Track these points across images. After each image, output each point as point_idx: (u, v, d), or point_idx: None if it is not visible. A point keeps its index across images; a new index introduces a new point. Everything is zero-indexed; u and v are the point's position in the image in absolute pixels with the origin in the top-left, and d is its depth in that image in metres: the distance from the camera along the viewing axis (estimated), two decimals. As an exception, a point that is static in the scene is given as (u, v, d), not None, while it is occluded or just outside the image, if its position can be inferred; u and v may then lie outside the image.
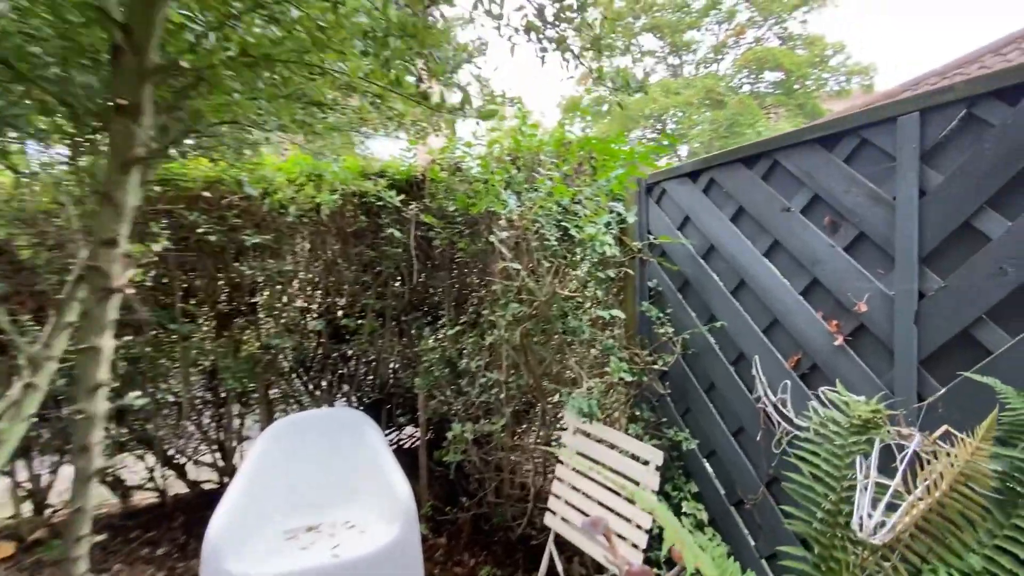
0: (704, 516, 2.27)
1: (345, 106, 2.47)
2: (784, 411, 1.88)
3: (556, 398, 2.75)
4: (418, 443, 3.78)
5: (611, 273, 2.51)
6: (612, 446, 2.36)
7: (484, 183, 2.64)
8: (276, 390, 3.93)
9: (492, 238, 2.33)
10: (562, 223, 2.41)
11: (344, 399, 4.09)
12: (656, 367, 2.42)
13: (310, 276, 3.83)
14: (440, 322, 3.64)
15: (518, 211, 2.44)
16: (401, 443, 4.45)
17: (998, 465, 1.16)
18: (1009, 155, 1.32)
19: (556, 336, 2.58)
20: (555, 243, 2.40)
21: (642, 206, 2.65)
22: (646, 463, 2.20)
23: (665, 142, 2.26)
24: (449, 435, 2.92)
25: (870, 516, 1.32)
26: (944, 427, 1.39)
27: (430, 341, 3.39)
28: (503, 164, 2.79)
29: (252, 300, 3.70)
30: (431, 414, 3.46)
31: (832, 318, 1.77)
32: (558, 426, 2.75)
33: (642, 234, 2.65)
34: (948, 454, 1.22)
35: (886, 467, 1.41)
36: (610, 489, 2.28)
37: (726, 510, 2.19)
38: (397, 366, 3.98)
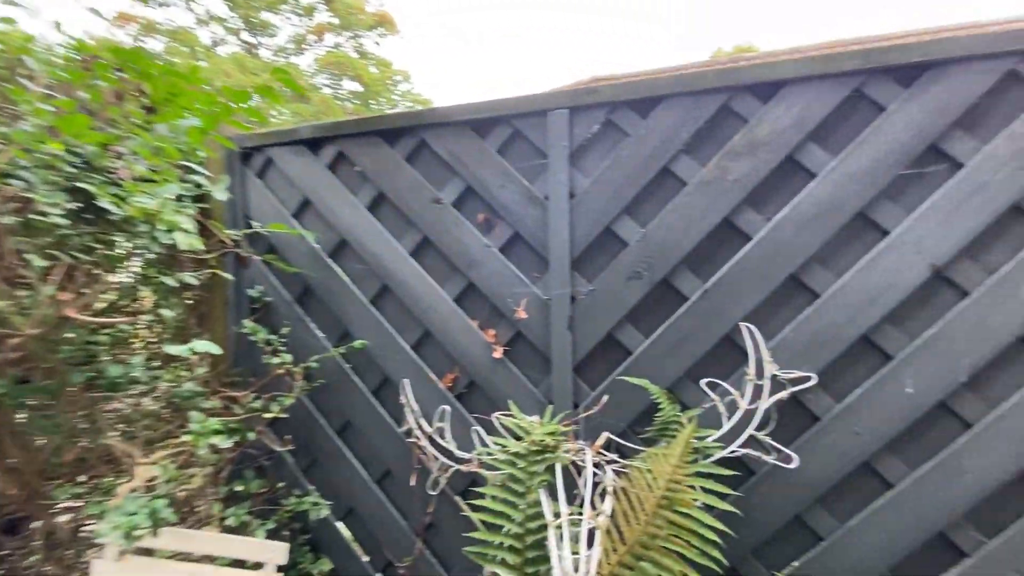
0: (343, 599, 1.71)
1: None
2: (442, 443, 1.56)
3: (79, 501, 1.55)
4: None
5: (188, 277, 1.57)
6: (199, 558, 1.46)
7: None
8: None
9: None
10: (79, 185, 1.31)
11: None
12: (268, 415, 1.67)
13: None
14: None
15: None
16: None
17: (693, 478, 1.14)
18: (642, 165, 1.40)
19: (75, 393, 1.42)
20: (63, 221, 1.28)
21: (237, 179, 1.81)
22: (260, 566, 1.45)
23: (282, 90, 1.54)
24: None
25: (575, 566, 1.11)
26: (605, 434, 1.36)
27: None
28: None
29: None
30: None
31: (489, 327, 1.57)
32: (87, 552, 1.56)
33: (238, 219, 1.82)
34: (643, 474, 1.15)
35: (570, 494, 1.26)
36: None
37: (372, 582, 1.70)
38: None
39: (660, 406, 1.31)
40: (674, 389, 1.39)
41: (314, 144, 1.75)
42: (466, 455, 1.50)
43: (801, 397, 1.30)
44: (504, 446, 1.33)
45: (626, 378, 1.38)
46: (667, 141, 1.38)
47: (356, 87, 16.40)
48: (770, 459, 1.29)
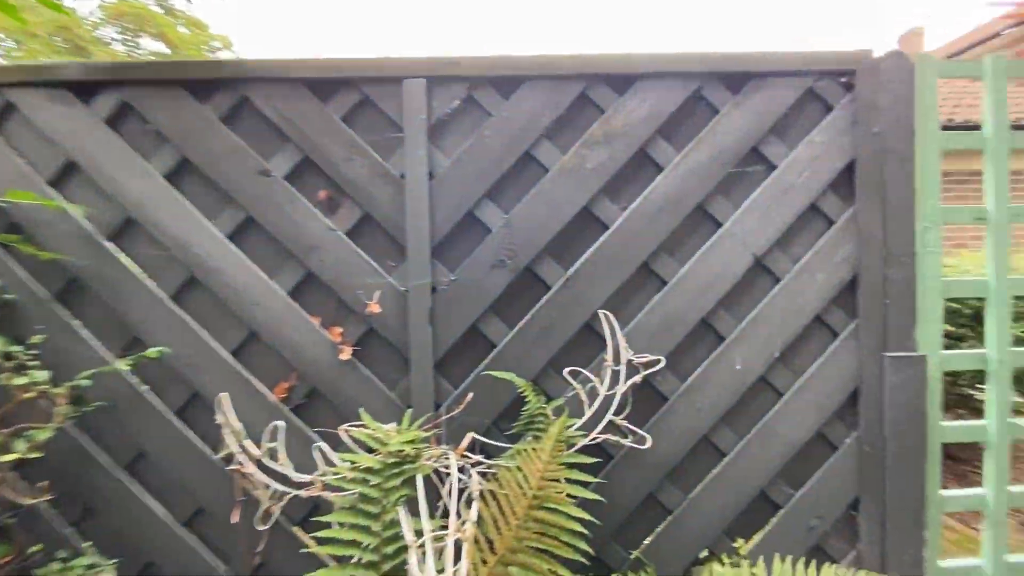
0: None
1: None
2: (275, 466, 1.29)
3: None
4: None
5: None
6: None
7: None
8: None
9: None
10: None
11: None
12: (9, 456, 1.20)
13: None
14: None
15: None
16: None
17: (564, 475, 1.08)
18: (505, 148, 1.32)
19: None
20: None
21: (-51, 126, 1.28)
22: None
23: None
24: None
25: (440, 590, 0.98)
26: (470, 435, 1.25)
27: None
28: None
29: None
30: None
31: (335, 324, 1.35)
32: None
33: (-48, 184, 1.28)
34: (514, 474, 1.06)
35: (434, 506, 1.13)
36: None
37: (180, 651, 1.34)
38: None
39: (526, 399, 1.25)
40: (538, 380, 1.35)
41: (85, 89, 1.32)
42: (306, 477, 1.26)
43: (652, 380, 1.36)
44: (354, 462, 1.14)
45: (491, 372, 1.30)
46: (529, 125, 1.33)
47: (161, 48, 13.79)
48: (627, 442, 1.32)
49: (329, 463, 1.26)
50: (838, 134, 1.33)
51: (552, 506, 1.09)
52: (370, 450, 1.17)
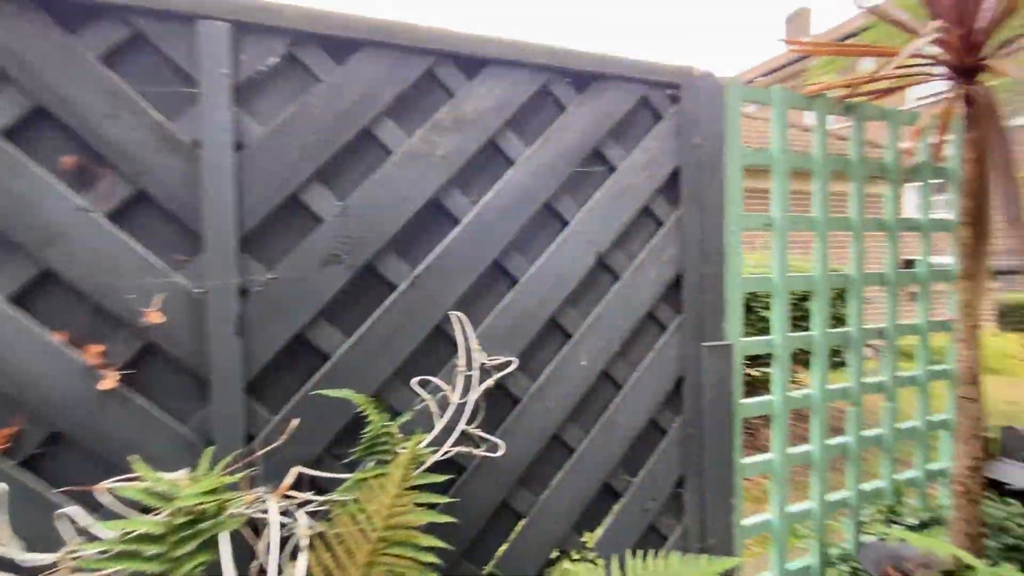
0: None
1: None
2: (-12, 550, 0.88)
3: None
4: None
5: None
6: None
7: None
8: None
9: None
10: None
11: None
12: None
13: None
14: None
15: None
16: None
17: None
18: (339, 121, 1.11)
19: None
20: None
21: None
22: None
23: None
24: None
25: None
26: (296, 469, 1.02)
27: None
28: None
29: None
30: None
31: (91, 341, 0.98)
32: None
33: None
34: (354, 512, 0.87)
35: (247, 569, 0.88)
36: None
37: None
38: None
39: (367, 418, 1.07)
40: (382, 394, 1.18)
41: None
42: (46, 558, 0.89)
43: (503, 382, 1.30)
44: (124, 529, 0.83)
45: (323, 392, 1.09)
46: (369, 98, 1.14)
47: None
48: (480, 452, 1.23)
49: (87, 535, 0.91)
50: (666, 142, 1.44)
51: (403, 540, 0.94)
52: (149, 510, 0.86)
